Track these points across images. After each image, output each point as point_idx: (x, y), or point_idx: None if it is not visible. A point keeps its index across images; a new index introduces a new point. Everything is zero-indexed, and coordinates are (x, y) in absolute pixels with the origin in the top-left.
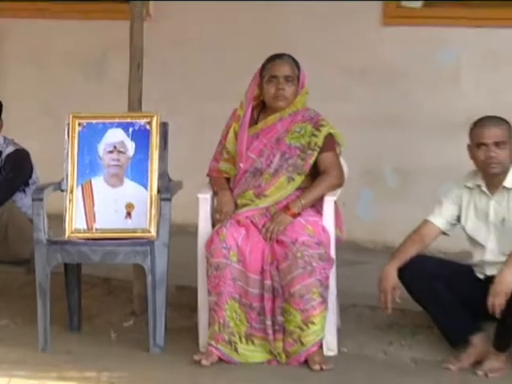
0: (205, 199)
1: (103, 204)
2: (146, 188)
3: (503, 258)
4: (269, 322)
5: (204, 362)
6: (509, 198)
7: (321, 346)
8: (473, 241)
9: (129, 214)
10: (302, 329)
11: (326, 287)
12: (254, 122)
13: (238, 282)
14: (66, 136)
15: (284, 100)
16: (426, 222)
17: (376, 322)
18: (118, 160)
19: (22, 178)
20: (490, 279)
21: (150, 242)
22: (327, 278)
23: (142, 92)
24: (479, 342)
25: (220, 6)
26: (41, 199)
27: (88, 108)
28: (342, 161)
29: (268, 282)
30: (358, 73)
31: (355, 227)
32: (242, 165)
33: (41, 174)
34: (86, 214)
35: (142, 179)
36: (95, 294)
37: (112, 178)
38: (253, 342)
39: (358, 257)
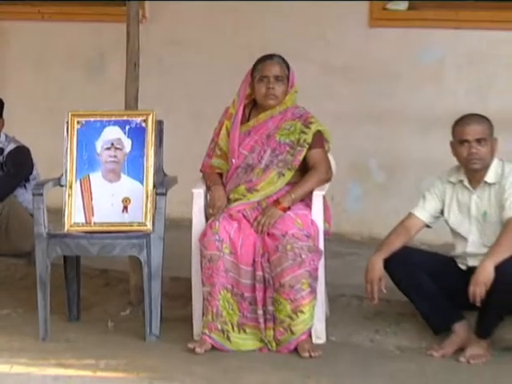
0: (198, 194)
1: (101, 198)
2: (141, 183)
3: (485, 250)
4: (260, 312)
5: (198, 349)
6: (490, 193)
7: (310, 335)
8: (455, 233)
9: (125, 208)
10: (291, 318)
11: (315, 278)
12: (245, 119)
13: (231, 273)
14: (65, 133)
15: (274, 99)
16: (410, 215)
17: (363, 311)
18: (115, 156)
19: (23, 173)
20: (471, 270)
21: (145, 235)
22: (316, 269)
23: (139, 91)
24: (461, 329)
25: (212, 8)
26: (41, 194)
27: (86, 106)
28: (330, 157)
29: (259, 273)
30: (345, 72)
31: (343, 220)
32: (234, 161)
33: (41, 169)
34: (84, 208)
35: (138, 175)
36: (93, 285)
37: (109, 174)
38: (245, 331)
39: (345, 248)
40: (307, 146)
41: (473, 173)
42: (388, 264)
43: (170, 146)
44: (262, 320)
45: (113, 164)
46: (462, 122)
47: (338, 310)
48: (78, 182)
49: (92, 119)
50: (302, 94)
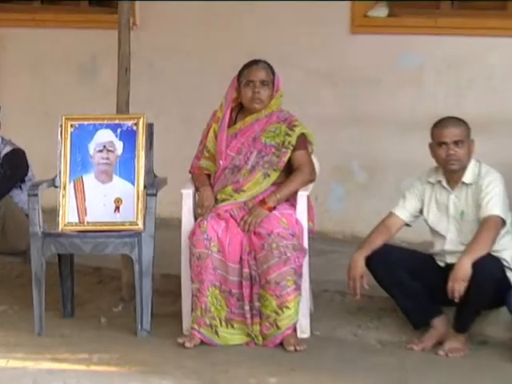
0: (188, 194)
1: (94, 199)
2: (133, 184)
3: (462, 248)
4: (247, 307)
5: (187, 344)
6: (467, 193)
7: (295, 329)
8: (434, 232)
9: (117, 208)
10: (277, 313)
11: (300, 275)
12: (232, 122)
13: (219, 270)
14: (59, 136)
15: (260, 102)
16: (391, 214)
17: (345, 307)
18: (108, 158)
19: (19, 175)
20: (450, 267)
21: (137, 234)
22: (301, 266)
23: (130, 95)
24: (440, 324)
25: (201, 15)
26: (36, 195)
27: (80, 110)
28: (314, 158)
29: (246, 271)
30: (328, 77)
31: (326, 219)
32: (221, 162)
33: (36, 171)
34: (77, 209)
35: (129, 176)
36: (87, 283)
37: (102, 175)
38: (232, 326)
39: (328, 246)
40: (292, 148)
41: (451, 173)
42: (370, 261)
43: (160, 149)
44: (248, 315)
45: (105, 166)
46: (440, 124)
47: (322, 305)
48: (72, 183)
49: (85, 123)
50: (287, 99)
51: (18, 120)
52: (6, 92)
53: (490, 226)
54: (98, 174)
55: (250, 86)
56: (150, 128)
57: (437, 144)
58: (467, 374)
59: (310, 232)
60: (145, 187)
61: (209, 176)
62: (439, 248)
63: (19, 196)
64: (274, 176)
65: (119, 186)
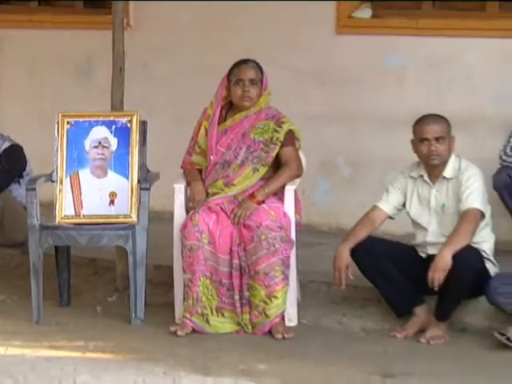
0: (179, 189)
1: (89, 193)
2: (127, 179)
3: (443, 239)
4: (237, 297)
5: (179, 332)
6: (448, 187)
7: (283, 318)
8: (416, 224)
9: (112, 202)
10: (266, 302)
11: (288, 266)
12: (222, 119)
13: (210, 261)
14: (56, 133)
15: (249, 100)
16: (374, 207)
17: (331, 296)
18: (103, 154)
19: (17, 170)
20: (431, 258)
21: (131, 227)
22: (288, 257)
23: (124, 94)
24: (422, 312)
25: (193, 16)
26: (34, 189)
27: (76, 108)
28: (301, 154)
29: (236, 262)
30: (314, 76)
31: (312, 212)
32: (212, 157)
33: (33, 166)
34: (74, 202)
35: (123, 171)
36: (82, 273)
37: (97, 170)
38: (223, 315)
39: (315, 239)
40: (279, 144)
41: (432, 168)
42: (354, 253)
43: (153, 145)
44: (238, 304)
45: (100, 161)
46: (422, 121)
47: (309, 295)
48: (68, 178)
49: (81, 120)
50: (275, 96)
51: (17, 117)
52: (5, 91)
53: (469, 218)
54: (94, 169)
55: (240, 85)
56: (143, 125)
57: (419, 140)
58: (448, 360)
59: (298, 224)
60: (138, 182)
61: (200, 171)
62: (421, 240)
63: (17, 190)
64: (263, 171)
65: (114, 180)
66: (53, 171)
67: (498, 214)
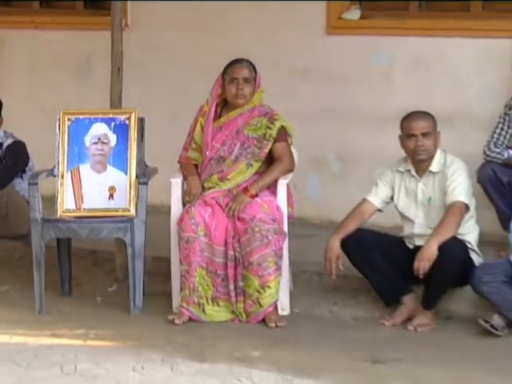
0: (176, 183)
1: (89, 187)
2: (126, 173)
3: (429, 231)
4: (231, 287)
5: (177, 321)
6: (434, 181)
7: (276, 307)
8: (404, 217)
9: (111, 196)
10: (259, 292)
11: (280, 257)
12: (217, 116)
13: (205, 252)
14: (57, 130)
15: (243, 98)
16: (364, 200)
17: (322, 286)
18: (102, 150)
19: (20, 166)
20: (418, 249)
21: (129, 220)
22: (281, 248)
23: (122, 92)
24: (409, 301)
25: (188, 17)
26: (36, 184)
27: (76, 106)
28: (293, 149)
29: (231, 253)
30: (306, 75)
31: (304, 206)
32: (207, 153)
33: (35, 162)
34: (74, 196)
35: (122, 166)
36: (83, 264)
37: (97, 165)
38: (218, 304)
39: (306, 231)
40: (272, 140)
41: (419, 163)
42: (344, 244)
43: (151, 141)
44: (233, 294)
45: (100, 157)
46: (409, 118)
47: (301, 285)
48: (69, 173)
49: (81, 117)
50: (267, 94)
51: (19, 115)
52: (7, 90)
53: (455, 211)
54: (94, 165)
55: (234, 83)
56: (141, 122)
57: (406, 136)
58: (434, 346)
59: (290, 217)
60: (137, 176)
61: (196, 166)
62: (408, 231)
63: (20, 185)
64: (256, 166)
65: (113, 175)
66: (54, 166)
67: (482, 206)
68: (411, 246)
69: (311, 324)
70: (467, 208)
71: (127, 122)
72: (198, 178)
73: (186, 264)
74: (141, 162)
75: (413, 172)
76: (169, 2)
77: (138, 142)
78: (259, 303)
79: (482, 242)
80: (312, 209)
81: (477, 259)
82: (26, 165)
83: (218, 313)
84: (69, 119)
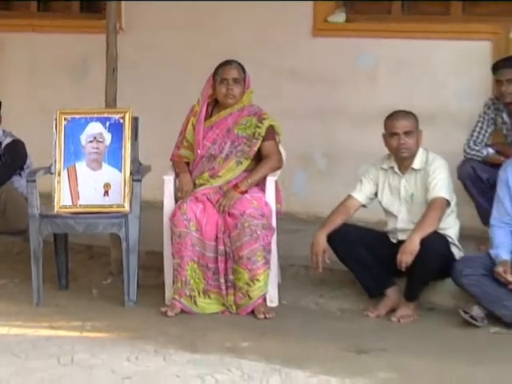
0: (169, 180)
1: (85, 184)
2: (120, 171)
3: (412, 226)
4: (222, 280)
5: (169, 313)
6: (416, 178)
7: (265, 299)
8: (387, 212)
9: (106, 193)
10: (249, 285)
11: (269, 251)
12: (208, 115)
13: (197, 247)
14: (54, 129)
15: (233, 98)
16: (349, 196)
17: (309, 279)
18: (98, 148)
19: (19, 164)
20: (401, 243)
21: (124, 215)
22: (269, 243)
23: (117, 92)
24: (393, 294)
25: (181, 19)
26: (34, 181)
27: (72, 106)
28: (281, 148)
29: (221, 247)
30: (293, 75)
31: (292, 202)
32: (199, 151)
33: (33, 160)
34: (71, 193)
35: (117, 164)
36: (79, 259)
37: (92, 163)
38: (209, 296)
39: (294, 226)
40: (261, 139)
41: (402, 160)
42: (331, 239)
43: (145, 139)
44: (223, 287)
45: (95, 155)
46: (392, 117)
47: (289, 277)
48: (66, 171)
49: (77, 116)
50: (256, 94)
51: (18, 115)
52: (6, 90)
53: (436, 206)
54: (89, 162)
55: (224, 84)
56: (135, 121)
57: (389, 134)
58: (417, 336)
59: (278, 213)
60: (131, 174)
61: (188, 163)
62: (392, 226)
63: (19, 182)
64: (246, 163)
65: (108, 172)
66: (51, 164)
67: (463, 202)
68: (394, 241)
69: (299, 315)
70: (448, 203)
71: (122, 121)
72: (189, 176)
73: (178, 258)
74: (135, 160)
75: (396, 169)
76: (162, 2)
77: (132, 140)
78: (249, 296)
79: (463, 236)
80: (299, 204)
81: (457, 253)
82: (25, 163)
83: (209, 305)
84: (65, 119)
